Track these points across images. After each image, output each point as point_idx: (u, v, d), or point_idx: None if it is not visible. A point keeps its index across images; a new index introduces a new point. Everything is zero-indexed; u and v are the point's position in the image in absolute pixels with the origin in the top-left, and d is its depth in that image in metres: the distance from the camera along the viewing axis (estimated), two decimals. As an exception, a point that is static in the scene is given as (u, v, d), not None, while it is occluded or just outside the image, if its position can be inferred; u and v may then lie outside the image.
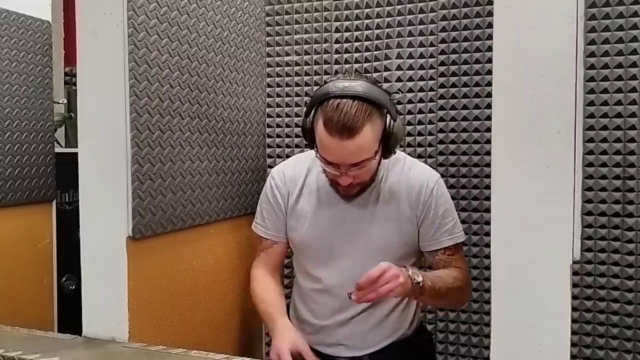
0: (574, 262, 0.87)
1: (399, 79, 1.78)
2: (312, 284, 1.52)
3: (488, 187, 1.68)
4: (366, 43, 1.82)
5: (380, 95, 1.31)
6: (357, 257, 1.44)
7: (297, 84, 1.89)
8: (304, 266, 1.53)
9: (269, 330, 1.51)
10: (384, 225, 1.44)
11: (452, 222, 1.46)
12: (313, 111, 1.36)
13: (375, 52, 1.81)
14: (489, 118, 1.64)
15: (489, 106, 1.67)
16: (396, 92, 1.72)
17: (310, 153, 1.58)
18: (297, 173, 1.54)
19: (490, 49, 1.66)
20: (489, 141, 1.62)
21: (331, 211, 1.48)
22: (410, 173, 1.47)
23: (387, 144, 1.35)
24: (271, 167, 1.91)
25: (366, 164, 1.33)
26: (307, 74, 1.88)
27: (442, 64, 1.75)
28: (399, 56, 1.78)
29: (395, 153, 1.42)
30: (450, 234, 1.45)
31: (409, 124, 1.79)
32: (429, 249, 1.46)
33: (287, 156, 1.90)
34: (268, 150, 1.92)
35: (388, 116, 1.33)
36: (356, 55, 1.82)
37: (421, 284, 1.29)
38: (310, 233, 1.49)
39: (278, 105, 1.91)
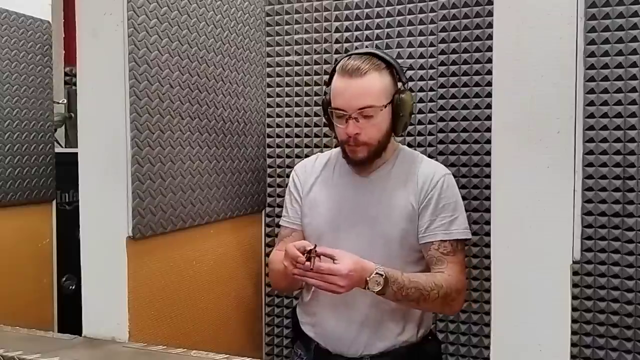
0: (574, 262, 0.87)
1: (399, 79, 1.78)
2: None
3: (488, 187, 1.68)
4: (366, 43, 1.82)
5: (390, 58, 1.45)
6: (361, 243, 1.44)
7: (297, 84, 1.89)
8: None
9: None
10: (390, 212, 1.46)
11: (452, 218, 1.44)
12: (331, 80, 1.45)
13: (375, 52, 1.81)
14: (489, 118, 1.64)
15: (489, 106, 1.67)
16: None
17: (332, 150, 1.61)
18: (316, 164, 1.60)
19: (490, 49, 1.66)
20: (489, 141, 1.63)
21: (342, 198, 1.51)
22: (421, 165, 1.50)
23: (396, 108, 1.42)
24: (271, 167, 1.92)
25: (372, 114, 1.38)
26: (307, 74, 1.88)
27: (442, 64, 1.75)
28: (399, 56, 1.78)
29: (405, 129, 1.47)
30: (446, 229, 1.43)
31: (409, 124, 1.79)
32: (422, 242, 1.44)
33: (287, 156, 1.90)
34: (268, 150, 1.92)
35: (398, 78, 1.44)
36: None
37: (376, 291, 1.33)
38: (320, 218, 1.51)
39: (278, 105, 1.91)
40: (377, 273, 1.31)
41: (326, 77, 1.82)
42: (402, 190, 1.47)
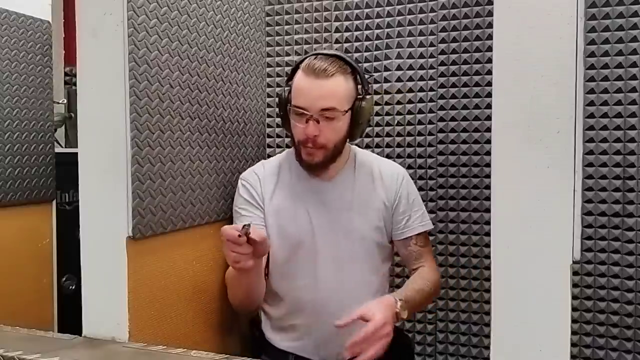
0: (574, 262, 0.87)
1: (399, 79, 1.78)
2: (294, 281, 1.48)
3: (488, 187, 1.68)
4: (366, 43, 1.82)
5: (355, 63, 1.44)
6: (341, 247, 1.45)
7: (297, 84, 1.89)
8: (284, 264, 1.49)
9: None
10: (363, 212, 1.47)
11: (421, 211, 1.55)
12: (292, 78, 1.43)
13: (375, 52, 1.81)
14: (489, 118, 1.64)
15: (489, 106, 1.67)
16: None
17: (277, 156, 1.59)
18: (267, 171, 1.54)
19: (490, 49, 1.66)
20: (489, 141, 1.63)
21: (310, 203, 1.48)
22: (381, 164, 1.55)
23: (356, 115, 1.41)
24: (271, 167, 1.91)
25: (334, 116, 1.37)
26: (307, 74, 1.88)
27: (442, 64, 1.75)
28: (399, 56, 1.78)
29: (361, 135, 1.50)
30: (421, 221, 1.53)
31: (409, 124, 1.79)
32: (401, 237, 1.51)
33: (287, 156, 1.90)
34: (268, 150, 1.92)
35: (360, 84, 1.43)
36: (356, 55, 1.83)
37: (403, 316, 1.36)
38: (292, 226, 1.48)
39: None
40: (399, 300, 1.35)
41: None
42: (372, 191, 1.50)
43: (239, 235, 1.23)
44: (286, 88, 1.47)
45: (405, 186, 1.52)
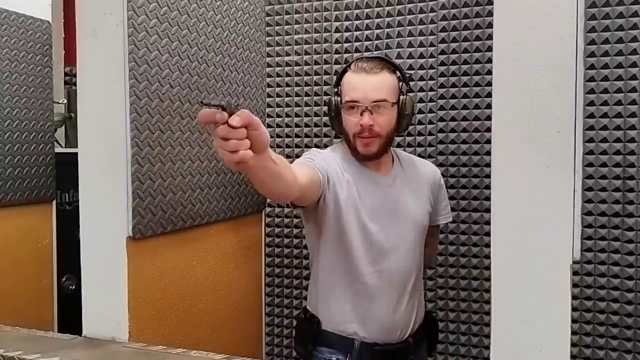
0: (574, 262, 0.87)
1: (399, 79, 1.78)
2: (364, 267, 1.51)
3: (488, 187, 1.69)
4: (366, 43, 1.82)
5: (396, 63, 1.55)
6: (405, 233, 1.54)
7: (297, 84, 1.89)
8: (355, 250, 1.51)
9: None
10: (419, 203, 1.60)
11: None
12: (340, 81, 1.52)
13: (375, 53, 1.81)
14: (489, 118, 1.64)
15: (489, 106, 1.67)
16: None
17: (330, 150, 1.58)
18: (338, 158, 1.54)
19: (490, 49, 1.66)
20: (489, 141, 1.63)
21: (376, 195, 1.54)
22: (418, 160, 1.67)
23: (402, 108, 1.51)
24: (271, 167, 1.91)
25: (386, 107, 1.47)
26: (307, 74, 1.88)
27: (442, 64, 1.75)
28: (399, 56, 1.78)
29: (406, 128, 1.58)
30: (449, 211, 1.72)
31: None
32: (442, 222, 1.70)
33: (287, 156, 1.90)
34: (268, 150, 1.92)
35: (402, 83, 1.53)
36: (356, 55, 1.82)
37: None
38: (365, 215, 1.52)
39: (278, 105, 1.91)
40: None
41: (326, 77, 1.83)
42: (421, 183, 1.62)
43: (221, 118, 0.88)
44: (334, 90, 1.53)
45: (441, 180, 1.67)
